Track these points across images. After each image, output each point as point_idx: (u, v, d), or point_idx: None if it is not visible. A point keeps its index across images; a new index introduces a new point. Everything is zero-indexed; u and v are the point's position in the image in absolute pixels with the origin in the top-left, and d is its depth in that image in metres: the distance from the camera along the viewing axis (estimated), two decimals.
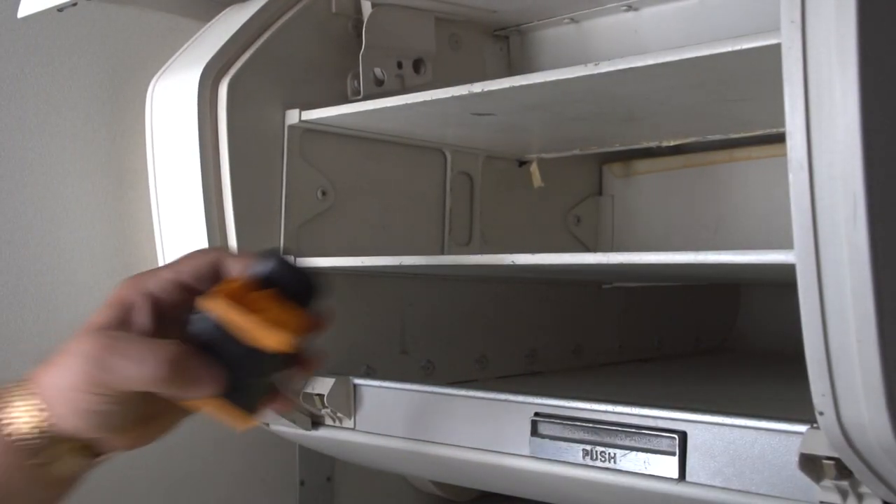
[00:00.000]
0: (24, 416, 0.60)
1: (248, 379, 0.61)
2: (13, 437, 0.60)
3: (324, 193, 0.90)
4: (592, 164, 1.12)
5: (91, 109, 0.93)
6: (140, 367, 0.58)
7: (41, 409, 0.60)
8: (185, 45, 0.89)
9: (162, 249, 0.89)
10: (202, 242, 0.84)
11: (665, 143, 0.92)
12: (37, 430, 0.60)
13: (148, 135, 0.89)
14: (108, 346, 0.59)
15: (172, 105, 0.86)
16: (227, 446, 1.02)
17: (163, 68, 0.88)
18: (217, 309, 0.59)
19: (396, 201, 0.96)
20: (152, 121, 0.88)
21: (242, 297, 0.60)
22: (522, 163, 1.05)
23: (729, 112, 0.80)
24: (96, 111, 0.93)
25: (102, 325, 0.61)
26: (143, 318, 0.62)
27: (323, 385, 0.82)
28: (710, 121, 0.85)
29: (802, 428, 0.57)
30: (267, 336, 0.59)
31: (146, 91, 0.88)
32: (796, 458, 0.56)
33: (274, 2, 0.87)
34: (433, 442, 0.78)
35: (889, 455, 0.49)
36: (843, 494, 0.55)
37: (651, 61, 0.63)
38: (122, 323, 0.62)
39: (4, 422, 0.60)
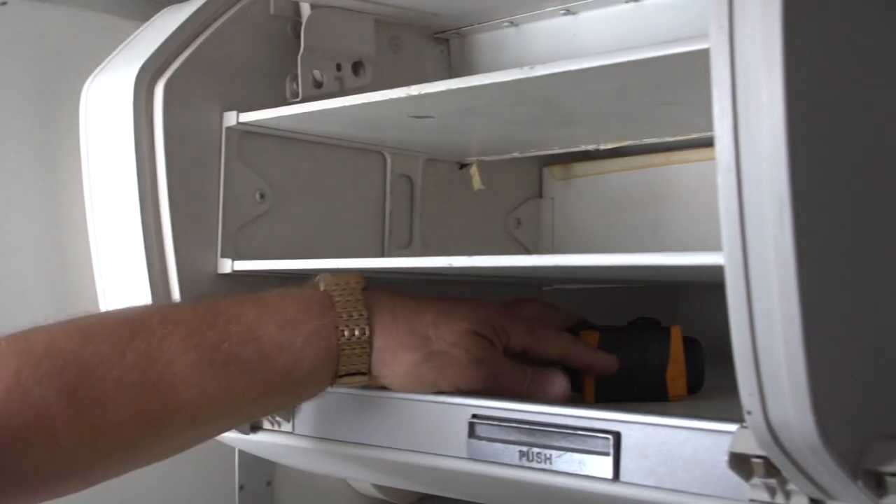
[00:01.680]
0: (356, 341, 0.70)
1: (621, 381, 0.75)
2: (341, 345, 0.69)
3: (262, 196, 0.89)
4: (533, 167, 1.13)
5: (24, 110, 0.92)
6: (559, 387, 0.73)
7: (369, 346, 0.70)
8: (121, 46, 0.88)
9: (97, 252, 0.88)
10: (138, 245, 0.83)
11: (603, 146, 0.93)
12: (362, 355, 0.70)
13: (82, 136, 0.87)
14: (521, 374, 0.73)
15: (107, 106, 0.85)
16: None
17: (98, 68, 0.87)
18: (675, 336, 0.75)
19: (336, 204, 0.95)
20: (87, 122, 0.87)
21: None
22: (463, 165, 1.05)
23: (665, 116, 0.81)
24: (29, 112, 0.92)
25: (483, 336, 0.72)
26: (518, 343, 0.74)
27: None
28: (646, 124, 0.85)
29: (733, 427, 0.57)
30: (681, 381, 0.75)
31: (81, 91, 0.87)
32: (726, 457, 0.56)
33: (211, 3, 0.87)
34: (372, 445, 0.78)
35: (814, 453, 0.50)
36: (772, 492, 0.56)
37: (585, 65, 0.63)
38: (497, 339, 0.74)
39: (341, 329, 0.69)
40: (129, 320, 0.68)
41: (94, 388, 0.63)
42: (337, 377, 0.71)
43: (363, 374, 0.72)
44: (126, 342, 0.65)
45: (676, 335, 0.76)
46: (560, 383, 0.74)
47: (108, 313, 0.69)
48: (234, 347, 0.67)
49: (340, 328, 0.70)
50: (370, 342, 0.71)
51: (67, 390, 0.62)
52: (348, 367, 0.71)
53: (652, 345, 0.76)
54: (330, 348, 0.70)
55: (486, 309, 0.74)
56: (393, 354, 0.71)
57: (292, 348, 0.69)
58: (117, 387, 0.64)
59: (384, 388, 0.74)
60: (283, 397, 0.72)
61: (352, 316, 0.70)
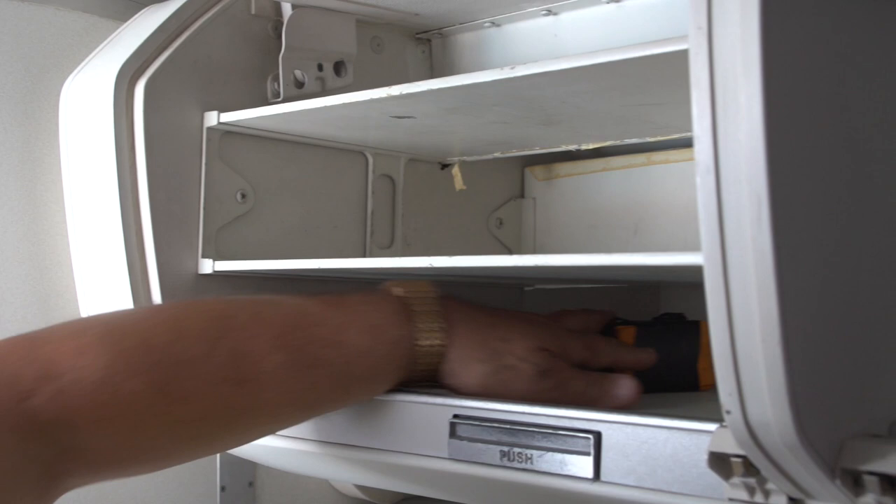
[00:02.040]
0: (430, 350, 0.73)
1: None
2: (418, 355, 0.72)
3: (243, 196, 0.89)
4: (514, 167, 1.13)
5: (3, 109, 0.91)
6: (629, 390, 0.74)
7: (443, 352, 0.73)
8: (101, 45, 0.88)
9: (77, 252, 0.87)
10: (118, 245, 0.83)
11: (584, 147, 0.93)
12: (433, 363, 0.73)
13: (62, 136, 0.87)
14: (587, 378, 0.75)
15: (87, 106, 0.84)
16: None
17: (77, 68, 0.87)
18: (704, 329, 0.79)
19: (317, 204, 0.95)
20: (67, 122, 0.87)
21: None
22: (444, 165, 1.05)
23: (645, 116, 0.81)
24: (8, 112, 0.91)
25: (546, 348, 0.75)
26: (577, 357, 0.76)
27: None
28: (627, 124, 0.86)
29: (712, 426, 0.58)
30: (711, 372, 0.76)
31: (60, 91, 0.87)
32: (706, 457, 0.56)
33: (192, 3, 0.86)
34: (353, 446, 0.78)
35: (793, 452, 0.50)
36: (751, 491, 0.56)
37: (565, 65, 0.63)
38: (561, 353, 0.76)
39: (419, 338, 0.72)
40: (219, 316, 0.69)
41: (184, 383, 0.65)
42: (414, 382, 0.75)
43: (432, 380, 0.75)
44: (216, 339, 0.67)
45: (705, 328, 0.79)
46: (629, 386, 0.74)
47: (196, 305, 0.71)
48: (319, 350, 0.70)
49: (418, 338, 0.73)
50: (444, 353, 0.73)
51: (158, 385, 0.64)
52: (420, 374, 0.74)
53: (684, 338, 0.80)
54: (407, 356, 0.73)
55: (550, 327, 0.78)
56: (464, 366, 0.74)
57: (373, 355, 0.72)
58: (206, 384, 0.66)
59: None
60: (355, 399, 0.75)
61: (430, 326, 0.73)
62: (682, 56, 0.51)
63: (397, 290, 0.75)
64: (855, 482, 0.52)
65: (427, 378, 0.75)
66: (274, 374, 0.68)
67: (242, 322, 0.69)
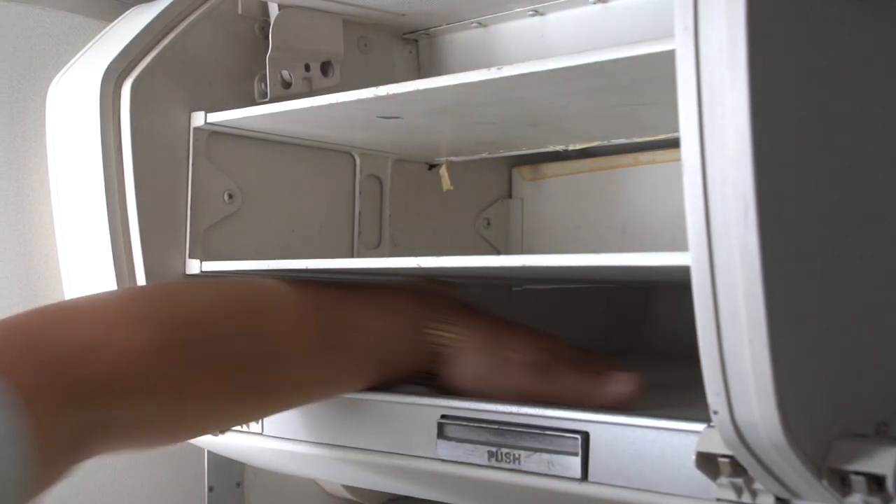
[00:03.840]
0: (441, 340, 0.76)
1: None
2: (429, 344, 0.76)
3: (230, 196, 0.89)
4: (502, 168, 1.13)
5: None
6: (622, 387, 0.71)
7: (452, 344, 0.76)
8: (88, 46, 0.88)
9: (64, 253, 0.87)
10: (105, 246, 0.83)
11: (571, 147, 0.93)
12: (441, 353, 0.76)
13: (48, 136, 0.87)
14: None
15: (73, 106, 0.84)
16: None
17: (64, 69, 0.87)
18: None
19: (305, 204, 0.95)
20: (53, 122, 0.86)
21: None
22: (432, 166, 1.05)
23: (632, 116, 0.81)
24: None
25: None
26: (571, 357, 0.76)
27: None
28: (614, 125, 0.86)
29: (700, 427, 0.58)
30: None
31: (47, 91, 0.86)
32: (694, 457, 0.57)
33: (179, 2, 0.86)
34: (341, 446, 0.78)
35: (780, 453, 0.51)
36: (738, 491, 0.56)
37: (552, 66, 0.63)
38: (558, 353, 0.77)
39: (429, 326, 0.76)
40: (259, 296, 0.73)
41: (223, 359, 0.68)
42: (414, 373, 0.77)
43: (435, 374, 0.77)
44: (257, 317, 0.71)
45: None
46: (626, 382, 0.72)
47: (238, 284, 0.74)
48: (346, 332, 0.74)
49: (431, 328, 0.76)
50: (453, 344, 0.76)
51: (200, 361, 0.66)
52: (427, 363, 0.76)
53: None
54: (420, 344, 0.76)
55: (547, 335, 0.79)
56: (468, 357, 0.76)
57: (389, 339, 0.76)
58: (242, 360, 0.69)
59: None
60: (369, 381, 0.77)
61: (443, 319, 0.76)
62: (669, 56, 0.51)
63: (416, 286, 0.79)
64: (842, 482, 0.52)
65: (428, 370, 0.76)
66: (305, 354, 0.72)
67: (280, 303, 0.73)
